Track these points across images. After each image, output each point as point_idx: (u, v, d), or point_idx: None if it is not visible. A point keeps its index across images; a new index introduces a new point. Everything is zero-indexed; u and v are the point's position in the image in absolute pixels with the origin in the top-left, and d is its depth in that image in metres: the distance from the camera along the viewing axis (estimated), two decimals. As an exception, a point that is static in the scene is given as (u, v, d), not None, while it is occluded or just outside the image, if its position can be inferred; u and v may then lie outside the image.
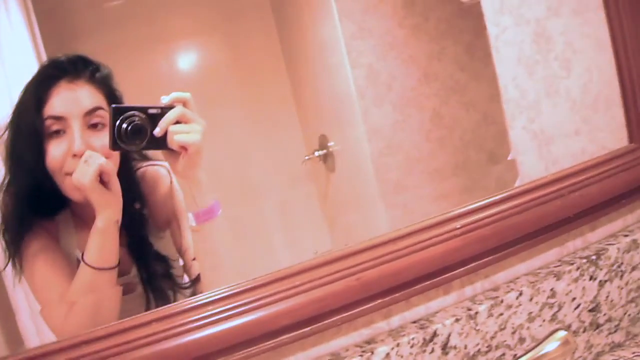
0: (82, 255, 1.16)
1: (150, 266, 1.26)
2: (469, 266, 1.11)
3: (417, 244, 1.07)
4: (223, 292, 1.02)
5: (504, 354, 1.13)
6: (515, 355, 1.06)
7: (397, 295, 1.07)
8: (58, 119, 1.14)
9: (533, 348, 1.06)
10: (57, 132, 1.15)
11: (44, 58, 1.35)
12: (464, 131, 1.61)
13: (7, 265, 1.21)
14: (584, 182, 1.20)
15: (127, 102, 1.19)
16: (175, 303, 1.02)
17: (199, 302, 1.01)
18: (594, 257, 1.19)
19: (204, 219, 1.17)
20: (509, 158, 1.35)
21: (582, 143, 1.32)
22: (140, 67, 1.52)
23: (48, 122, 1.14)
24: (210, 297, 1.01)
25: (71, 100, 1.16)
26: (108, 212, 1.13)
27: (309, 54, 1.70)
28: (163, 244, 1.28)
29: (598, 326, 1.21)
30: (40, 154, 1.15)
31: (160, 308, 1.02)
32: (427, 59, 1.63)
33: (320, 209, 1.69)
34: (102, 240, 1.14)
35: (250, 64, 1.63)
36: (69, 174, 1.15)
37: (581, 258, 1.20)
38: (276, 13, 1.67)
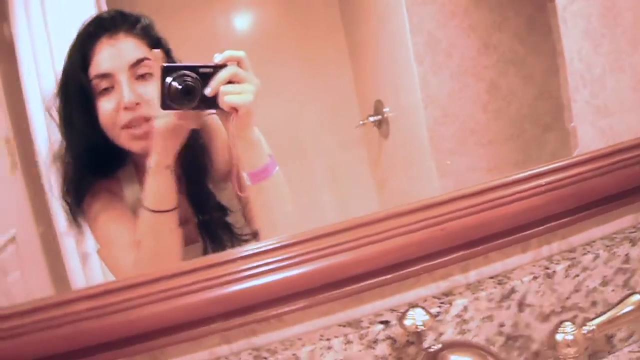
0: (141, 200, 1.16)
1: (209, 215, 1.25)
2: (548, 225, 1.11)
3: (503, 197, 1.07)
4: (305, 235, 1.02)
5: (576, 316, 1.13)
6: (587, 318, 1.05)
7: (477, 249, 1.07)
8: (105, 76, 1.15)
9: (605, 312, 1.04)
10: (107, 90, 1.15)
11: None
12: (521, 104, 1.60)
13: (71, 226, 1.22)
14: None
15: (182, 59, 1.18)
16: (259, 243, 1.02)
17: (280, 244, 1.01)
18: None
19: (259, 179, 1.17)
20: (571, 125, 1.34)
21: (646, 120, 1.31)
22: (196, 24, 1.51)
23: (95, 82, 1.15)
24: (292, 239, 1.02)
25: (115, 55, 1.15)
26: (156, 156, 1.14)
27: (369, 17, 1.69)
28: (225, 195, 1.28)
29: (667, 296, 1.20)
30: (92, 114, 1.16)
31: (240, 248, 1.03)
32: (488, 29, 1.62)
33: (371, 174, 1.68)
34: (156, 182, 1.15)
35: (308, 26, 1.62)
36: (124, 127, 1.16)
37: (656, 226, 1.19)
38: (336, -24, 1.66)
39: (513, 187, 1.08)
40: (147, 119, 1.16)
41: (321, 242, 1.01)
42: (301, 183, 1.59)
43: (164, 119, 1.12)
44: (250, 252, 0.99)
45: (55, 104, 1.18)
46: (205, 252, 1.24)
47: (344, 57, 1.66)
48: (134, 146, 1.17)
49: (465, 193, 1.06)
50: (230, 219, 1.27)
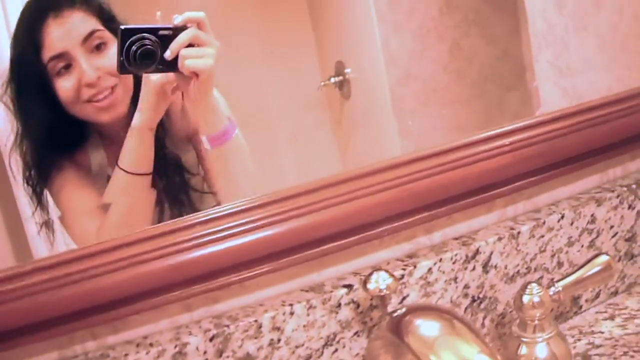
0: (117, 161, 1.14)
1: (172, 178, 1.23)
2: (513, 185, 1.10)
3: (466, 157, 1.06)
4: (266, 198, 1.01)
5: (541, 277, 1.13)
6: (552, 279, 1.05)
7: (442, 209, 1.06)
8: (60, 56, 1.11)
9: (572, 273, 1.04)
10: (65, 68, 1.12)
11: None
12: (483, 65, 1.58)
13: (35, 209, 1.19)
14: (633, 108, 1.18)
15: (138, 21, 1.15)
16: (213, 208, 1.01)
17: (240, 208, 1.00)
18: (634, 186, 1.18)
19: (218, 143, 1.16)
20: (534, 85, 1.33)
21: (609, 81, 1.30)
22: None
23: (51, 64, 1.11)
24: (252, 203, 1.00)
25: (65, 33, 1.12)
26: (145, 114, 1.13)
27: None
28: (189, 158, 1.26)
29: (632, 257, 1.21)
30: (49, 96, 1.13)
31: (198, 213, 1.01)
32: (450, -12, 1.59)
33: (333, 135, 1.66)
34: (136, 143, 1.14)
35: (267, -14, 1.58)
36: (90, 101, 1.13)
37: (621, 186, 1.19)
38: None
39: (477, 146, 1.07)
40: (111, 89, 1.14)
41: (282, 205, 1.00)
42: (263, 146, 1.56)
43: (159, 77, 1.11)
44: (209, 216, 0.98)
45: (7, 93, 1.14)
46: (161, 215, 1.21)
47: (305, 18, 1.63)
48: (101, 118, 1.15)
49: (428, 153, 1.05)
50: (192, 181, 1.25)
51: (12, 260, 1.22)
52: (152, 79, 1.11)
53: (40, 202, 1.18)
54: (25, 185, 1.17)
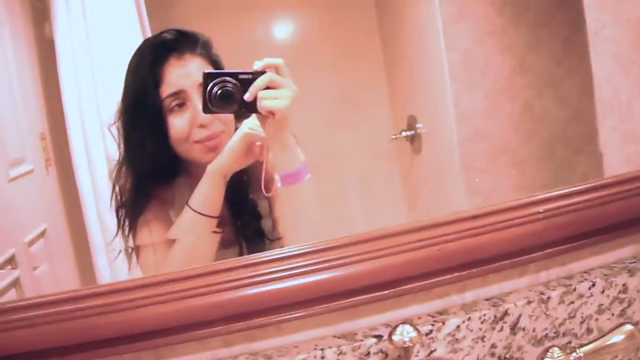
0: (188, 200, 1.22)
1: (246, 221, 1.32)
2: (546, 251, 1.14)
3: (499, 222, 1.10)
4: (309, 247, 1.07)
5: (570, 342, 1.15)
6: (581, 344, 1.08)
7: (474, 270, 1.10)
8: (177, 94, 1.21)
9: (598, 339, 1.07)
10: (178, 106, 1.21)
11: (148, 30, 1.40)
12: (554, 126, 1.61)
13: (117, 234, 1.30)
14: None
15: (225, 65, 1.23)
16: (260, 253, 1.09)
17: (284, 255, 1.07)
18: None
19: (290, 182, 1.22)
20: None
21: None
22: (237, 32, 1.56)
23: (167, 100, 1.21)
24: (296, 251, 1.07)
25: (185, 74, 1.22)
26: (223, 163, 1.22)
27: (406, 32, 1.72)
28: (263, 203, 1.34)
29: (665, 328, 1.21)
30: (160, 131, 1.22)
31: (246, 256, 1.11)
32: (524, 49, 1.63)
33: (401, 188, 1.71)
34: (209, 187, 1.23)
35: (346, 39, 1.65)
36: (199, 142, 1.23)
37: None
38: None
39: (510, 212, 1.11)
40: (220, 132, 1.24)
41: (323, 255, 1.07)
42: (332, 192, 1.63)
43: (249, 132, 1.20)
44: (253, 261, 1.06)
45: (118, 123, 1.25)
46: (240, 254, 1.30)
47: (380, 72, 1.69)
48: (205, 158, 1.24)
49: (460, 217, 1.09)
50: (264, 225, 1.32)
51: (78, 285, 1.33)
52: (243, 131, 1.20)
53: (123, 230, 1.28)
54: (115, 211, 1.27)
